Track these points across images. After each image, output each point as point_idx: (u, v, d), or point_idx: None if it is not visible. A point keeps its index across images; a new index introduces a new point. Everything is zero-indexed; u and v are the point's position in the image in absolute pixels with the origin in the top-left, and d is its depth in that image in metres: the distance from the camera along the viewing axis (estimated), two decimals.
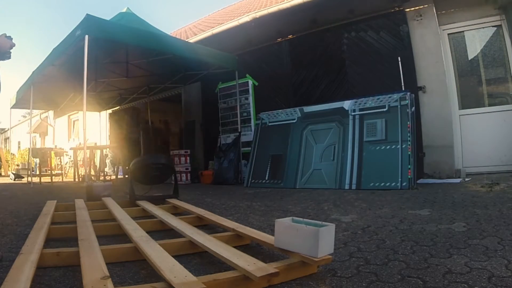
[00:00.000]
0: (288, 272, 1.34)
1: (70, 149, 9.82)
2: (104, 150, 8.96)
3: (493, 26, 4.83)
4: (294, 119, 5.26)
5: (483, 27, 4.90)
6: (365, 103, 4.64)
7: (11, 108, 8.44)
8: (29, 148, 9.90)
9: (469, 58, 5.09)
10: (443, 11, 5.01)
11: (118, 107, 10.38)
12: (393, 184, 3.95)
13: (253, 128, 6.49)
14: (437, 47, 4.94)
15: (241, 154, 6.24)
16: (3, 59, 1.87)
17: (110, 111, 10.78)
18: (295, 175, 4.86)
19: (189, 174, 6.89)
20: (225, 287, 1.23)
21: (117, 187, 5.26)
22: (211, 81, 7.26)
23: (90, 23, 4.18)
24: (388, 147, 4.22)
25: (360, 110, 4.63)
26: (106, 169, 9.51)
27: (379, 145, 4.30)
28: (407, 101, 4.27)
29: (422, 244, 1.72)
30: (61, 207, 3.11)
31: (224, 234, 1.97)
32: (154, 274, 1.36)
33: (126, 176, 6.98)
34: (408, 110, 4.23)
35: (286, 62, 6.48)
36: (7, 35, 1.86)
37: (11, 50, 1.88)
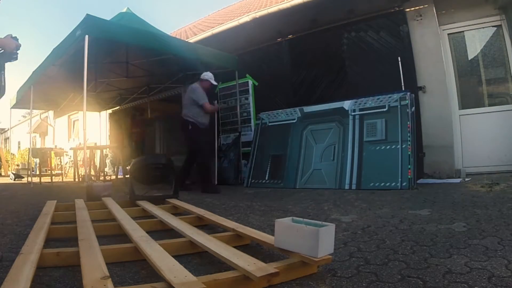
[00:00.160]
0: (288, 272, 1.34)
1: (70, 149, 9.82)
2: (104, 150, 8.96)
3: (493, 26, 4.83)
4: (294, 119, 5.26)
5: (483, 27, 4.90)
6: (365, 103, 4.64)
7: (11, 108, 8.43)
8: (29, 148, 9.90)
9: (469, 58, 5.09)
10: (443, 11, 5.01)
11: (118, 107, 10.37)
12: (393, 184, 3.95)
13: (253, 128, 6.49)
14: (437, 47, 4.94)
15: (241, 154, 6.24)
16: (10, 60, 1.87)
17: (110, 111, 10.78)
18: (295, 175, 4.85)
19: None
20: (225, 287, 1.23)
21: (117, 187, 5.26)
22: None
23: (90, 23, 4.17)
24: (388, 147, 4.22)
25: (360, 110, 4.63)
26: (106, 169, 9.51)
27: (379, 145, 4.30)
28: (407, 101, 4.27)
29: (422, 244, 1.72)
30: (61, 207, 3.11)
31: (224, 234, 1.97)
32: (154, 274, 1.36)
33: (126, 176, 6.98)
34: (408, 110, 4.23)
35: (286, 62, 6.48)
36: (13, 35, 1.85)
37: (17, 51, 1.88)
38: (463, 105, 4.98)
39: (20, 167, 12.51)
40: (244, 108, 6.79)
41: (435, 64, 4.93)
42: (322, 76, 6.00)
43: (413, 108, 4.41)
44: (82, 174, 7.78)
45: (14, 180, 9.57)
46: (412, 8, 5.12)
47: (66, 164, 10.62)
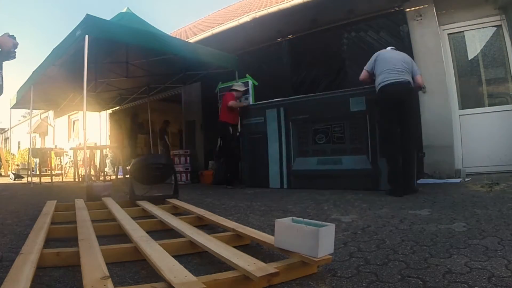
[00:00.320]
0: (288, 272, 1.33)
1: (70, 149, 9.82)
2: (104, 150, 8.96)
3: (493, 26, 4.84)
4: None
5: (483, 27, 4.90)
6: None
7: (11, 108, 8.44)
8: (29, 148, 9.90)
9: (469, 58, 5.09)
10: (443, 11, 5.01)
11: (118, 107, 10.38)
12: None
13: None
14: (437, 47, 4.94)
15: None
16: (8, 59, 1.85)
17: (110, 111, 10.78)
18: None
19: (189, 174, 6.89)
20: (225, 287, 1.23)
21: (117, 187, 5.26)
22: (211, 81, 7.26)
23: (90, 23, 4.18)
24: None
25: None
26: (106, 169, 9.52)
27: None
28: None
29: (422, 244, 1.72)
30: (61, 207, 3.11)
31: (224, 234, 1.97)
32: (154, 274, 1.36)
33: (126, 176, 6.98)
34: None
35: (286, 62, 6.48)
36: (10, 34, 1.84)
37: (15, 50, 1.86)
38: (463, 105, 4.98)
39: (20, 167, 12.51)
40: None
41: (435, 64, 4.93)
42: (322, 76, 6.00)
43: None
44: (82, 174, 7.78)
45: (14, 180, 9.57)
46: (412, 8, 5.12)
47: (66, 164, 10.62)
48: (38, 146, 15.91)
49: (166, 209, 2.91)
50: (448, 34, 5.07)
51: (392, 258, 1.53)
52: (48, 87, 6.85)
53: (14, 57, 1.87)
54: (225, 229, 2.09)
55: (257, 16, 6.07)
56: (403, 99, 3.54)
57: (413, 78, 3.71)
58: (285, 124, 4.90)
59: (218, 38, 6.77)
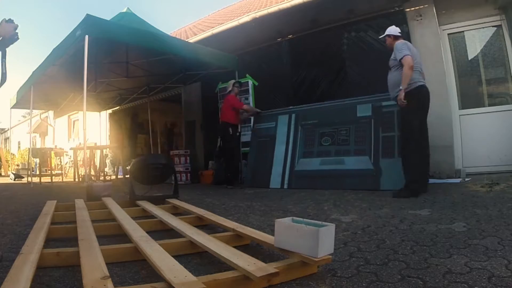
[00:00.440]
0: (288, 272, 1.33)
1: (70, 149, 9.82)
2: (104, 150, 8.96)
3: (493, 26, 4.83)
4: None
5: (483, 27, 4.90)
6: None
7: (11, 108, 8.44)
8: (29, 148, 9.90)
9: (469, 58, 5.08)
10: (443, 11, 5.00)
11: (118, 107, 10.38)
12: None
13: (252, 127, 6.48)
14: (437, 47, 4.93)
15: (241, 154, 6.24)
16: (12, 43, 1.84)
17: (110, 111, 10.78)
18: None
19: (189, 174, 6.89)
20: (225, 287, 1.23)
21: (117, 187, 5.26)
22: (211, 81, 7.26)
23: (90, 23, 4.18)
24: None
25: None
26: (106, 169, 9.52)
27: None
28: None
29: (422, 244, 1.72)
30: (61, 207, 3.11)
31: (224, 234, 1.97)
32: (154, 274, 1.36)
33: (126, 176, 6.98)
34: None
35: (286, 62, 6.48)
36: (7, 19, 1.82)
37: (17, 32, 1.85)
38: (463, 105, 4.98)
39: (20, 167, 12.51)
40: None
41: (435, 64, 4.93)
42: (322, 76, 6.00)
43: None
44: (82, 174, 7.78)
45: (14, 180, 9.57)
46: (412, 8, 5.11)
47: (66, 164, 10.62)
48: (38, 146, 15.91)
49: (166, 209, 2.91)
50: (448, 34, 5.07)
51: (392, 258, 1.53)
52: (48, 87, 6.85)
53: (18, 38, 1.85)
54: (225, 229, 2.09)
55: (257, 16, 6.07)
56: (429, 104, 3.66)
57: None
58: (294, 128, 5.13)
59: (218, 38, 6.76)
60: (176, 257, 1.47)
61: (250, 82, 6.76)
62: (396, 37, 3.85)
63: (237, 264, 1.32)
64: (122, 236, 2.03)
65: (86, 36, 4.09)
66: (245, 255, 1.44)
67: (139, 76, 7.34)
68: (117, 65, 6.70)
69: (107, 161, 10.05)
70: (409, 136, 3.53)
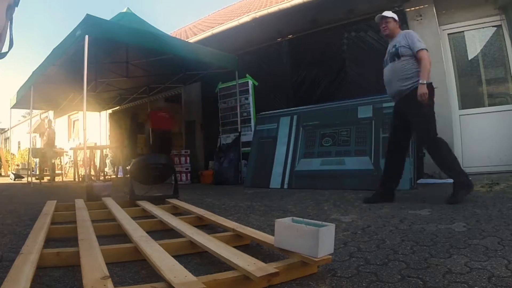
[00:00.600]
0: (288, 272, 1.33)
1: (70, 149, 9.83)
2: (104, 150, 8.96)
3: (493, 26, 4.83)
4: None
5: (483, 27, 4.90)
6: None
7: (11, 108, 8.44)
8: (29, 148, 9.90)
9: (469, 58, 5.09)
10: (443, 11, 5.01)
11: (118, 107, 10.38)
12: None
13: (253, 128, 6.49)
14: (437, 47, 4.93)
15: (241, 154, 6.24)
16: (17, 5, 1.76)
17: (110, 111, 10.78)
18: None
19: (189, 174, 6.90)
20: (225, 287, 1.23)
21: (117, 187, 5.26)
22: (211, 81, 7.27)
23: (90, 23, 4.18)
24: None
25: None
26: (106, 169, 9.52)
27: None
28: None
29: (422, 244, 1.72)
30: (61, 207, 3.11)
31: (224, 234, 1.97)
32: (154, 274, 1.36)
33: (127, 176, 6.98)
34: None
35: (286, 62, 6.48)
36: None
37: (16, 7, 1.81)
38: (463, 105, 4.98)
39: (20, 167, 12.52)
40: (244, 108, 6.79)
41: (435, 64, 4.90)
42: (322, 76, 6.00)
43: None
44: (82, 174, 7.78)
45: (14, 180, 9.57)
46: (412, 8, 5.12)
47: (66, 164, 10.62)
48: (38, 146, 15.91)
49: (166, 209, 2.91)
50: (448, 34, 5.07)
51: (392, 258, 1.53)
52: (48, 87, 6.85)
53: (17, 5, 1.80)
54: (225, 229, 2.09)
55: (257, 16, 6.07)
56: None
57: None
58: (296, 129, 5.14)
59: (218, 38, 6.77)
60: (176, 257, 1.46)
61: (250, 82, 6.77)
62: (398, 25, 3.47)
63: (237, 264, 1.32)
64: (122, 236, 2.03)
65: (86, 36, 4.09)
66: (245, 255, 1.44)
67: (139, 76, 7.34)
68: (117, 65, 6.71)
69: (107, 161, 10.05)
70: (433, 134, 3.05)
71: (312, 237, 1.35)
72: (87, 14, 4.20)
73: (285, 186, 4.84)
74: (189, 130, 8.27)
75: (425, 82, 2.95)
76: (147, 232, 1.89)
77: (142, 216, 2.77)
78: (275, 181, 4.98)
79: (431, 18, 4.99)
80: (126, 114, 11.08)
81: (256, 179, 5.23)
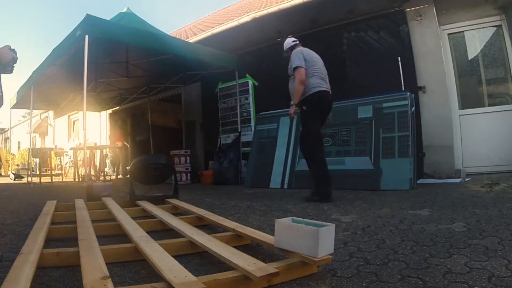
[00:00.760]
0: (288, 272, 1.33)
1: (70, 149, 9.82)
2: (104, 150, 8.96)
3: (493, 26, 4.83)
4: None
5: (483, 27, 4.90)
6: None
7: (11, 108, 8.44)
8: (29, 148, 9.90)
9: (469, 58, 5.09)
10: (443, 11, 5.01)
11: (118, 107, 10.38)
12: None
13: (253, 128, 6.49)
14: (437, 47, 4.94)
15: (241, 154, 6.24)
16: (4, 72, 1.80)
17: (110, 111, 10.78)
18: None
19: (189, 174, 6.90)
20: (225, 287, 1.23)
21: (117, 187, 5.26)
22: (211, 81, 7.26)
23: (90, 23, 4.18)
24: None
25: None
26: (106, 169, 9.52)
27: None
28: (407, 101, 4.27)
29: (422, 244, 1.72)
30: (61, 207, 3.11)
31: (224, 234, 1.97)
32: (154, 274, 1.36)
33: (127, 176, 6.98)
34: (408, 110, 4.23)
35: (286, 62, 6.47)
36: (11, 47, 1.81)
37: (14, 65, 1.81)
38: (463, 105, 4.98)
39: (20, 167, 12.52)
40: (244, 108, 6.79)
41: (435, 64, 4.93)
42: None
43: (413, 108, 4.41)
44: (82, 174, 7.78)
45: (14, 180, 9.57)
46: (412, 8, 5.12)
47: (66, 164, 10.62)
48: (38, 146, 15.91)
49: (166, 209, 2.91)
50: (448, 34, 5.07)
51: (392, 258, 1.53)
52: (48, 87, 6.85)
53: (11, 72, 1.81)
54: (225, 229, 2.09)
55: (257, 16, 6.07)
56: (329, 110, 3.61)
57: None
58: (296, 129, 5.10)
59: (218, 38, 6.77)
60: (176, 257, 1.46)
61: (250, 82, 6.77)
62: (292, 48, 3.75)
63: (237, 264, 1.32)
64: (122, 236, 2.03)
65: (86, 36, 4.09)
66: (245, 255, 1.44)
67: (139, 76, 7.34)
68: (117, 65, 6.71)
69: (107, 161, 10.05)
70: (309, 143, 3.42)
71: (312, 237, 1.35)
72: (87, 14, 4.20)
73: (285, 186, 4.84)
74: (189, 130, 8.27)
75: (293, 102, 3.42)
76: (147, 232, 1.89)
77: (142, 216, 2.77)
78: (275, 181, 4.98)
79: (431, 18, 4.99)
80: (126, 114, 11.09)
81: (256, 179, 5.23)
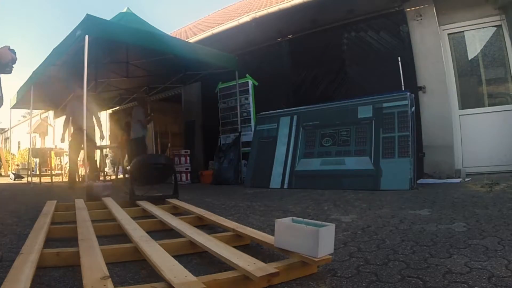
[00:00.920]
0: (288, 272, 1.33)
1: None
2: (104, 150, 8.96)
3: (493, 26, 4.83)
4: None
5: (483, 27, 4.90)
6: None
7: (11, 108, 8.44)
8: (29, 148, 9.90)
9: (469, 58, 5.09)
10: (443, 11, 5.01)
11: (118, 107, 10.38)
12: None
13: (253, 128, 6.49)
14: (437, 47, 4.94)
15: (241, 154, 6.24)
16: (4, 72, 1.80)
17: (110, 111, 10.78)
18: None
19: (189, 174, 6.89)
20: (225, 287, 1.23)
21: (117, 187, 5.25)
22: (211, 81, 7.26)
23: (90, 23, 4.18)
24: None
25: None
26: (106, 169, 9.52)
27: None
28: (407, 101, 4.27)
29: (422, 244, 1.72)
30: (61, 207, 3.11)
31: (224, 234, 1.97)
32: (154, 274, 1.36)
33: (127, 176, 6.99)
34: (408, 110, 4.23)
35: (286, 62, 6.48)
36: (11, 48, 1.81)
37: (13, 65, 1.81)
38: (463, 105, 4.98)
39: (20, 167, 12.51)
40: (244, 108, 6.79)
41: (435, 64, 4.93)
42: (322, 76, 6.00)
43: (413, 108, 4.41)
44: (82, 174, 7.78)
45: (14, 180, 9.57)
46: (412, 8, 5.12)
47: (66, 164, 10.61)
48: (38, 146, 15.90)
49: (166, 209, 2.91)
50: (448, 34, 5.07)
51: (392, 258, 1.53)
52: (48, 87, 6.85)
53: (10, 72, 1.81)
54: (225, 229, 2.09)
55: (257, 16, 6.07)
56: None
57: None
58: (296, 129, 5.12)
59: (218, 38, 6.76)
60: (176, 257, 1.46)
61: (250, 82, 6.76)
62: None
63: (237, 264, 1.32)
64: (122, 236, 2.03)
65: (86, 36, 4.09)
66: (245, 255, 1.44)
67: (139, 76, 7.34)
68: (117, 65, 6.71)
69: (107, 161, 10.05)
70: None
71: (312, 237, 1.35)
72: (87, 14, 4.19)
73: (285, 186, 4.84)
74: (189, 130, 8.27)
75: None
76: (147, 232, 1.89)
77: (142, 216, 2.77)
78: (275, 181, 4.98)
79: (431, 18, 4.99)
80: (126, 114, 11.08)
81: (256, 179, 5.23)
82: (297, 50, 6.32)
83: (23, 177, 9.75)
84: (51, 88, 6.97)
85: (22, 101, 7.57)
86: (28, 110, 8.90)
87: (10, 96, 8.34)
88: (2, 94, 1.80)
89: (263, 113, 5.84)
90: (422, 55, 5.02)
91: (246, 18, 6.23)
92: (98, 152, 8.70)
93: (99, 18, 4.32)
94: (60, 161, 9.93)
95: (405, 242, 1.79)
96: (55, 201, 3.21)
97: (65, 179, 8.85)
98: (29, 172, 8.63)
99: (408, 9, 5.16)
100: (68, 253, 1.60)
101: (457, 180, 4.36)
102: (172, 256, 1.45)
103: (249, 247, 1.87)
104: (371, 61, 5.41)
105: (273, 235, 1.61)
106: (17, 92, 7.58)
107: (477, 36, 5.00)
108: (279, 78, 6.47)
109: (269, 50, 6.68)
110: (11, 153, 16.89)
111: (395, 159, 4.07)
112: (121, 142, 8.64)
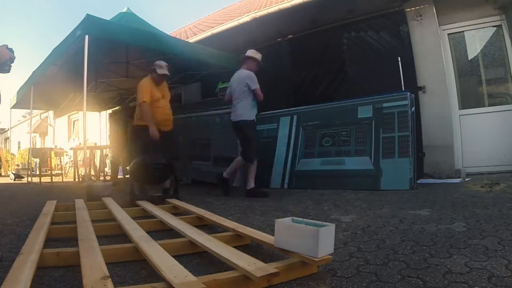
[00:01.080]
0: (288, 272, 1.34)
1: (70, 149, 9.82)
2: (104, 150, 8.96)
3: (493, 26, 4.83)
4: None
5: (483, 27, 4.90)
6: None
7: (11, 108, 8.44)
8: (29, 148, 9.90)
9: (469, 58, 5.09)
10: (443, 11, 5.01)
11: (118, 107, 10.37)
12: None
13: None
14: (437, 47, 4.93)
15: None
16: (2, 72, 1.79)
17: (110, 111, 10.77)
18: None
19: None
20: (225, 287, 1.23)
21: (117, 187, 5.25)
22: (211, 81, 7.25)
23: (90, 23, 4.17)
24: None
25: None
26: (106, 169, 9.51)
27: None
28: (407, 101, 4.27)
29: (422, 244, 1.72)
30: (61, 207, 3.11)
31: (224, 234, 1.97)
32: (154, 274, 1.36)
33: (127, 176, 6.98)
34: (408, 110, 4.23)
35: (286, 62, 6.48)
36: (9, 47, 1.80)
37: (11, 64, 1.80)
38: (463, 105, 4.98)
39: (20, 167, 12.51)
40: None
41: (435, 64, 4.93)
42: (322, 76, 6.00)
43: (413, 108, 4.41)
44: (82, 174, 7.78)
45: (14, 180, 9.57)
46: (412, 8, 5.11)
47: (66, 164, 10.62)
48: (38, 146, 15.91)
49: (166, 209, 2.91)
50: (448, 34, 5.07)
51: (392, 258, 1.53)
52: (48, 87, 6.84)
53: (8, 71, 1.81)
54: (225, 229, 2.09)
55: (257, 16, 6.07)
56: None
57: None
58: (296, 129, 5.13)
59: (218, 38, 6.76)
60: (176, 257, 1.47)
61: None
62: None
63: (237, 264, 1.32)
64: (122, 236, 2.03)
65: (86, 36, 4.09)
66: (245, 255, 1.44)
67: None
68: (117, 65, 6.70)
69: (107, 161, 10.04)
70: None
71: (312, 237, 1.35)
72: (87, 14, 4.19)
73: (285, 186, 4.84)
74: None
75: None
76: (147, 232, 1.89)
77: (142, 216, 2.77)
78: (275, 181, 4.98)
79: (431, 18, 4.99)
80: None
81: (256, 179, 5.22)
82: (297, 50, 6.32)
83: (23, 177, 9.75)
84: (51, 88, 6.96)
85: (22, 101, 7.56)
86: (28, 110, 8.90)
87: (10, 96, 8.35)
88: (0, 93, 1.80)
89: (263, 113, 5.83)
90: (422, 55, 5.02)
91: (246, 18, 6.23)
92: (98, 152, 8.71)
93: (99, 18, 4.32)
94: (60, 161, 9.93)
95: (405, 242, 1.79)
96: (55, 201, 3.21)
97: (65, 179, 8.86)
98: (29, 172, 8.63)
99: (408, 9, 5.15)
100: (68, 253, 1.60)
101: (457, 180, 4.36)
102: (172, 256, 1.45)
103: (249, 247, 1.87)
104: (371, 61, 5.41)
105: (273, 235, 1.61)
106: (17, 92, 7.57)
107: (477, 36, 5.00)
108: (279, 78, 6.47)
109: (269, 50, 6.67)
110: (11, 153, 16.89)
111: (395, 159, 4.07)
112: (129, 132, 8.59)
